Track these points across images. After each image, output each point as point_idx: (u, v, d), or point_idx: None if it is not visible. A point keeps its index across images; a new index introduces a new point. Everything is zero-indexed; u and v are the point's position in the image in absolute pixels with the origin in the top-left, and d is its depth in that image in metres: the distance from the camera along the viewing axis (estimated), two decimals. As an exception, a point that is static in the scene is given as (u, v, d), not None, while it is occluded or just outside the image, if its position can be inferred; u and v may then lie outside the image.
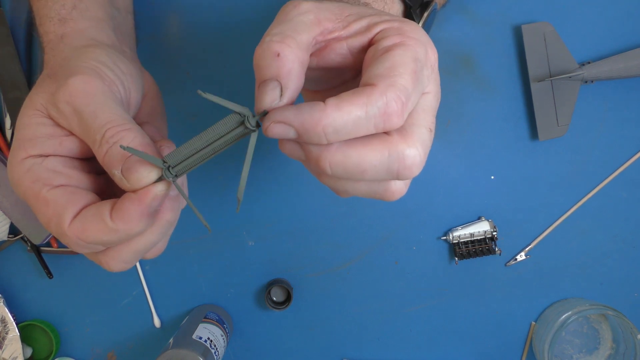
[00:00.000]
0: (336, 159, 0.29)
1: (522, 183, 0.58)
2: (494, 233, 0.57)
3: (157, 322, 0.60)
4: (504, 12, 0.55)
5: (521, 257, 0.59)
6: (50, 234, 0.54)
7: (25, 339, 0.60)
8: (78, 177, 0.33)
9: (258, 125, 0.30)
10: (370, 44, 0.31)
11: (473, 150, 0.57)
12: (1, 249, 0.58)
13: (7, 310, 0.57)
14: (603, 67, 0.53)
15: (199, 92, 0.29)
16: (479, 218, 0.58)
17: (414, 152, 0.29)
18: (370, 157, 0.29)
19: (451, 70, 0.56)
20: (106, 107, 0.32)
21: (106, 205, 0.31)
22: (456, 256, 0.58)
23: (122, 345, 0.61)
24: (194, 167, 0.31)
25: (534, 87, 0.54)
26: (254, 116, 0.29)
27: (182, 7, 0.55)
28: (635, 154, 0.58)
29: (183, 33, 0.56)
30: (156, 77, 0.56)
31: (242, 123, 0.29)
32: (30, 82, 0.55)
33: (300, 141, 0.29)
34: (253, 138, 0.30)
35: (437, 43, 0.55)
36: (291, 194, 0.58)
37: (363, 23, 0.31)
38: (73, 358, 0.61)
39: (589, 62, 0.54)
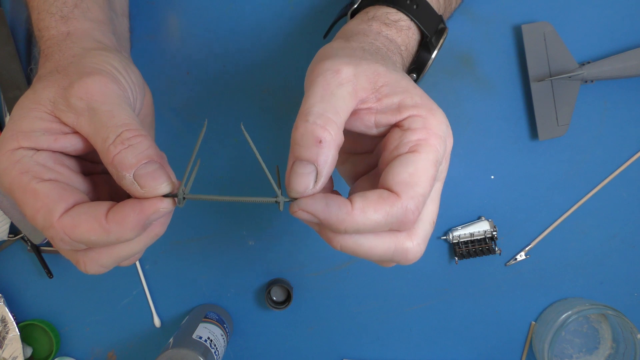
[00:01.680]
0: (348, 244, 0.31)
1: (522, 183, 0.58)
2: (494, 233, 0.57)
3: (157, 321, 0.60)
4: (504, 12, 0.55)
5: (521, 256, 0.59)
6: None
7: (25, 338, 0.60)
8: (68, 175, 0.33)
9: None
10: (397, 125, 0.32)
11: (473, 150, 0.57)
12: (1, 249, 0.58)
13: (7, 310, 0.57)
14: (603, 67, 0.53)
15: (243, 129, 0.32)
16: (478, 218, 0.58)
17: (416, 247, 0.32)
18: (378, 249, 0.32)
19: (451, 70, 0.56)
20: (123, 110, 0.32)
21: (102, 206, 0.31)
22: (456, 256, 0.58)
23: (122, 345, 0.61)
24: (205, 200, 0.31)
25: (534, 86, 0.54)
26: (285, 199, 0.32)
27: (182, 8, 0.55)
28: (635, 153, 0.58)
29: (183, 33, 0.56)
30: (156, 77, 0.56)
31: (275, 200, 0.32)
32: (30, 82, 0.55)
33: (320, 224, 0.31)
34: (269, 200, 0.32)
35: (437, 43, 0.55)
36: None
37: (395, 100, 0.32)
38: (73, 358, 0.61)
39: (588, 62, 0.54)
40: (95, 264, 0.33)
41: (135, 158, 0.30)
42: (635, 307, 0.60)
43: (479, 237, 0.58)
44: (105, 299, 0.60)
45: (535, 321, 0.61)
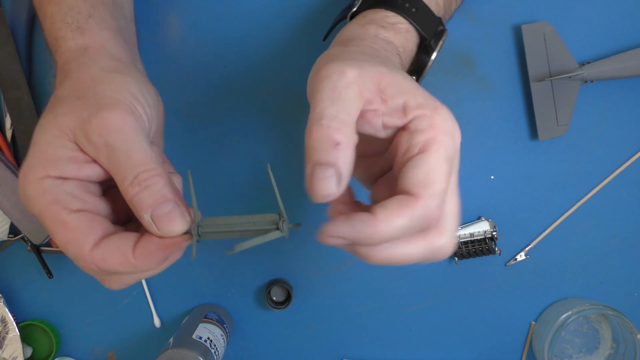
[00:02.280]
0: (383, 256, 0.32)
1: (522, 183, 0.58)
2: (494, 233, 0.57)
3: (157, 322, 0.60)
4: (504, 12, 0.55)
5: (521, 257, 0.59)
6: (50, 234, 0.54)
7: (25, 338, 0.60)
8: (93, 202, 0.34)
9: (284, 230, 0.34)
10: (404, 128, 0.33)
11: (473, 150, 0.57)
12: (1, 249, 0.58)
13: (7, 310, 0.57)
14: (603, 67, 0.53)
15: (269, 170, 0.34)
16: (478, 218, 0.58)
17: (447, 244, 0.33)
18: (414, 254, 0.32)
19: (451, 69, 0.56)
20: (139, 147, 0.33)
21: (129, 240, 0.32)
22: (456, 256, 0.58)
23: (122, 345, 0.61)
24: (217, 238, 0.34)
25: (534, 87, 0.54)
26: (286, 223, 0.34)
27: (182, 8, 0.55)
28: (635, 154, 0.58)
29: (183, 33, 0.56)
30: (156, 77, 0.56)
31: (276, 224, 0.33)
32: (30, 82, 0.55)
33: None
34: (275, 235, 0.33)
35: (437, 43, 0.55)
36: (291, 193, 0.58)
37: (399, 101, 0.32)
38: (73, 358, 0.61)
39: (588, 62, 0.54)
40: (120, 283, 0.36)
41: (152, 199, 0.32)
42: (635, 307, 0.60)
43: (479, 237, 0.58)
44: (105, 299, 0.60)
45: (535, 321, 0.61)
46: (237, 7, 0.55)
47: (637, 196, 0.59)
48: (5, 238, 0.57)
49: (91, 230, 0.32)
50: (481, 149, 0.57)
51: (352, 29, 0.41)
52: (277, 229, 0.33)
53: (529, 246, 0.59)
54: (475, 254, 0.58)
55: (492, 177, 0.58)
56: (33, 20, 0.54)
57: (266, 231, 0.33)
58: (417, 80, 0.44)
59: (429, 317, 0.61)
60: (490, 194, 0.58)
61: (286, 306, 0.58)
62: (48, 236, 0.54)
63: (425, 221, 0.31)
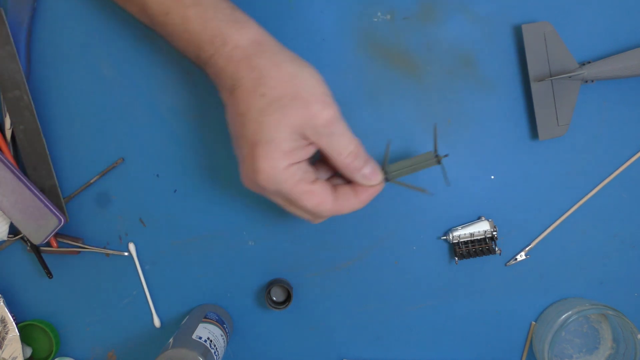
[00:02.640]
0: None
1: (522, 183, 0.58)
2: (494, 233, 0.57)
3: (157, 322, 0.60)
4: (504, 11, 0.55)
5: (521, 256, 0.59)
6: (49, 234, 0.54)
7: (25, 339, 0.60)
8: (314, 171, 0.47)
9: (439, 160, 0.51)
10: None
11: (473, 150, 0.57)
12: (1, 249, 0.58)
13: (6, 310, 0.57)
14: (603, 66, 0.53)
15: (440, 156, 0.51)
16: (478, 218, 0.58)
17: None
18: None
19: (451, 70, 0.56)
20: (347, 130, 0.45)
21: (350, 189, 0.48)
22: (456, 256, 0.58)
23: (122, 345, 0.61)
24: (402, 176, 0.50)
25: (534, 86, 0.54)
26: (437, 156, 0.51)
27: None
28: (636, 153, 0.58)
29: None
30: (156, 76, 0.56)
31: (436, 157, 0.51)
32: (29, 82, 0.55)
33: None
34: (431, 163, 0.51)
35: (437, 43, 0.55)
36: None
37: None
38: (73, 358, 0.61)
39: (589, 62, 0.54)
40: (322, 219, 0.50)
41: (361, 163, 0.47)
42: (635, 307, 0.60)
43: (479, 237, 0.58)
44: (105, 299, 0.60)
45: (536, 321, 0.61)
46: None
47: (638, 196, 0.59)
48: (5, 238, 0.57)
49: (329, 191, 0.46)
50: (481, 149, 0.57)
51: None
52: (438, 162, 0.50)
53: (529, 246, 0.59)
54: (476, 253, 0.58)
55: (492, 177, 0.58)
56: (33, 20, 0.54)
57: (428, 165, 0.51)
58: None
59: (429, 317, 0.61)
60: (491, 193, 0.58)
61: (286, 306, 0.58)
62: (48, 236, 0.54)
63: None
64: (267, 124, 0.42)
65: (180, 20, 0.44)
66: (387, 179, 0.50)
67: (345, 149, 0.45)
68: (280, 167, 0.43)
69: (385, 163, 0.50)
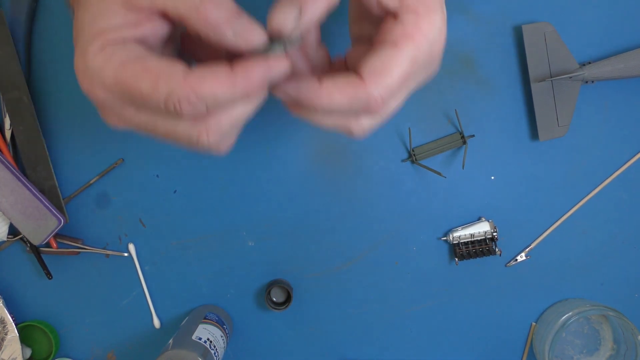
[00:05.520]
0: (323, 124, 0.35)
1: (522, 183, 0.58)
2: (494, 233, 0.57)
3: (156, 322, 0.60)
4: (504, 12, 0.55)
5: (521, 257, 0.59)
6: (49, 235, 0.54)
7: (25, 339, 0.60)
8: (163, 55, 0.33)
9: (465, 141, 0.53)
10: (394, 15, 0.33)
11: (473, 150, 0.57)
12: (1, 250, 0.58)
13: (6, 311, 0.57)
14: (603, 67, 0.53)
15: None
16: (479, 218, 0.58)
17: (372, 123, 0.36)
18: (342, 105, 0.33)
19: (451, 70, 0.56)
20: None
21: (223, 64, 0.30)
22: (456, 257, 0.58)
23: (122, 346, 0.61)
24: (426, 158, 0.51)
25: (534, 87, 0.54)
26: (463, 137, 0.54)
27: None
28: (636, 154, 0.58)
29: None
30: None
31: (462, 138, 0.55)
32: (29, 82, 0.55)
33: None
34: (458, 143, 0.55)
35: (437, 43, 0.55)
36: (291, 194, 0.58)
37: None
38: (72, 359, 0.61)
39: (589, 62, 0.54)
40: (217, 131, 0.32)
41: (225, 14, 0.30)
42: (636, 308, 0.60)
43: (479, 238, 0.57)
44: (105, 300, 0.60)
45: (536, 322, 0.61)
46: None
47: (638, 197, 0.58)
48: (5, 239, 0.57)
49: (176, 63, 0.30)
50: (481, 149, 0.57)
51: None
52: (464, 142, 0.54)
53: (530, 247, 0.59)
54: (476, 254, 0.58)
55: (493, 177, 0.58)
56: (33, 21, 0.54)
57: (456, 144, 0.55)
58: None
59: (429, 318, 0.61)
60: (491, 194, 0.58)
61: (286, 307, 0.58)
62: (47, 236, 0.54)
63: (364, 108, 0.33)
64: (83, 6, 0.32)
65: None
66: (413, 161, 0.55)
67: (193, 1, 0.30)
68: (91, 50, 0.30)
69: (410, 146, 0.54)
